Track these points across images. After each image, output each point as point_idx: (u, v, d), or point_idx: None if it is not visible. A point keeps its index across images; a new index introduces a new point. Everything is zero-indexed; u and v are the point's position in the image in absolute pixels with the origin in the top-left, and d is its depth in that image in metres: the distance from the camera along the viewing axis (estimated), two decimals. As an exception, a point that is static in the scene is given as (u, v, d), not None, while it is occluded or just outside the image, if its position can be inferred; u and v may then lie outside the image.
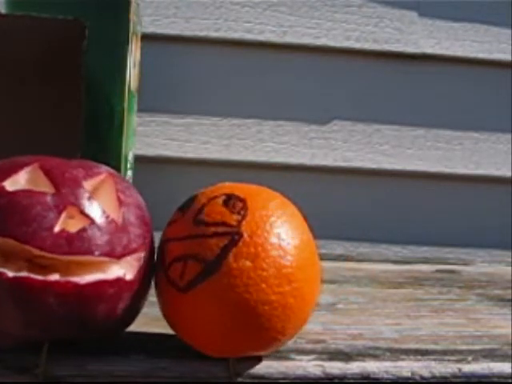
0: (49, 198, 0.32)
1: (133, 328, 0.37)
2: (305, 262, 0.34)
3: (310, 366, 0.36)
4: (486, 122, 0.77)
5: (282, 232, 0.34)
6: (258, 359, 0.36)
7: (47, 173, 0.34)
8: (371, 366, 0.37)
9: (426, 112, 0.77)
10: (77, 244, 0.32)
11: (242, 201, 0.34)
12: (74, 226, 0.32)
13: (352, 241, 0.76)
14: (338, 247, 0.76)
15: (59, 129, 0.46)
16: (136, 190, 0.37)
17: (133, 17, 0.49)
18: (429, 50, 0.76)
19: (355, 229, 0.76)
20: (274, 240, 0.33)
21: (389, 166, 0.76)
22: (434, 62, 0.76)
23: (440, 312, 0.50)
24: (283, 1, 0.74)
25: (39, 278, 0.31)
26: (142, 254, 0.35)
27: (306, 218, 0.37)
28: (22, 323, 0.32)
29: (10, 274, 0.31)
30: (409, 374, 0.37)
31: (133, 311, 0.36)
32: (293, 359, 0.37)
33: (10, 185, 0.33)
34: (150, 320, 0.40)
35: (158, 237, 0.37)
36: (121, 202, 0.35)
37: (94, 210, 0.33)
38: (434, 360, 0.38)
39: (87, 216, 0.33)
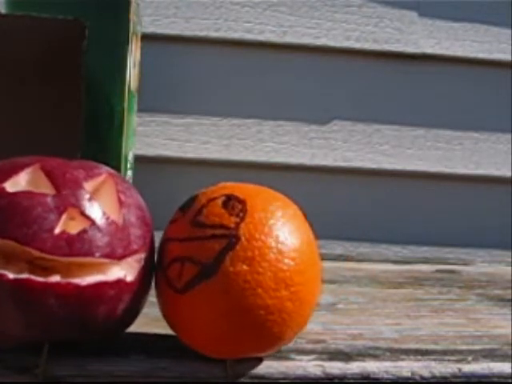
0: (49, 200, 0.32)
1: (133, 328, 0.37)
2: (304, 265, 0.34)
3: (310, 366, 0.36)
4: (486, 122, 0.78)
5: (281, 235, 0.34)
6: (258, 359, 0.36)
7: (48, 174, 0.34)
8: (371, 366, 0.37)
9: (426, 112, 0.77)
10: (77, 245, 0.32)
11: (242, 202, 0.34)
12: (74, 228, 0.32)
13: (352, 241, 0.76)
14: (338, 247, 0.76)
15: (59, 129, 0.46)
16: (136, 191, 0.37)
17: (133, 17, 0.49)
18: (429, 50, 0.76)
19: (355, 229, 0.76)
20: (272, 243, 0.33)
21: (389, 165, 0.76)
22: (434, 62, 0.76)
23: (440, 312, 0.50)
24: (283, 1, 0.74)
25: (40, 279, 0.31)
26: (142, 255, 0.35)
27: (306, 218, 0.37)
28: (22, 324, 0.32)
29: (11, 275, 0.31)
30: (409, 374, 0.37)
31: (133, 312, 0.36)
32: (293, 359, 0.37)
33: (10, 186, 0.33)
34: (150, 320, 0.40)
35: (157, 237, 0.37)
36: (121, 203, 0.35)
37: (95, 211, 0.33)
38: (434, 360, 0.38)
39: (88, 217, 0.33)
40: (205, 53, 0.73)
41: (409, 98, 0.76)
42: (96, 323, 0.33)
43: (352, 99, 0.76)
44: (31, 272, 0.31)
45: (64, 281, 0.32)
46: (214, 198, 0.35)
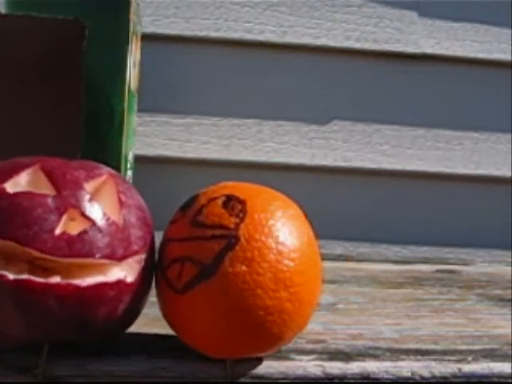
0: (50, 200, 0.32)
1: (133, 328, 0.37)
2: (304, 266, 0.34)
3: (310, 366, 0.36)
4: (486, 122, 0.78)
5: (281, 235, 0.34)
6: (258, 359, 0.36)
7: (48, 174, 0.34)
8: (371, 366, 0.37)
9: (426, 112, 0.77)
10: (78, 246, 0.32)
11: (242, 202, 0.34)
12: (74, 229, 0.32)
13: (352, 241, 0.76)
14: (338, 247, 0.76)
15: (59, 129, 0.46)
16: (137, 192, 0.37)
17: (133, 17, 0.49)
18: (429, 50, 0.76)
19: (355, 229, 0.76)
20: (271, 244, 0.33)
21: (389, 165, 0.76)
22: (434, 62, 0.76)
23: (440, 312, 0.50)
24: (283, 1, 0.74)
25: (40, 280, 0.31)
26: (142, 256, 0.35)
27: (306, 217, 0.37)
28: (22, 325, 0.32)
29: (11, 276, 0.31)
30: (409, 374, 0.37)
31: (133, 313, 0.36)
32: (293, 359, 0.37)
33: (10, 186, 0.33)
34: (151, 320, 0.40)
35: (158, 237, 0.37)
36: (122, 204, 0.35)
37: (95, 212, 0.33)
38: (434, 360, 0.38)
39: (88, 218, 0.33)
40: (205, 53, 0.73)
41: (409, 98, 0.76)
42: (96, 324, 0.33)
43: (352, 99, 0.76)
44: (31, 273, 0.31)
45: (64, 282, 0.32)
46: (214, 198, 0.35)
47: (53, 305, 0.31)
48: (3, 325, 0.32)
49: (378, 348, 0.40)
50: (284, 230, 0.34)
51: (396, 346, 0.40)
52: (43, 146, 0.44)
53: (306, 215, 0.37)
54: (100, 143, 0.49)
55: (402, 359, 0.38)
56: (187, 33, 0.72)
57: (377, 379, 0.37)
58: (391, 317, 0.48)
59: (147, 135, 0.72)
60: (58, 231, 0.32)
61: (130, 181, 0.55)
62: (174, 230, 0.35)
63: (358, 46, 0.75)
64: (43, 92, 0.46)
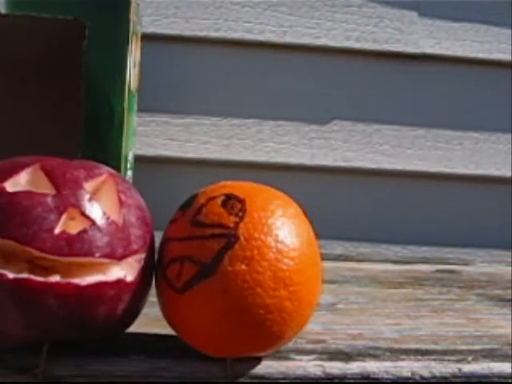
0: (49, 200, 0.32)
1: (133, 328, 0.37)
2: (304, 264, 0.34)
3: (310, 366, 0.36)
4: (486, 122, 0.78)
5: (281, 234, 0.34)
6: (258, 359, 0.36)
7: (48, 174, 0.34)
8: (371, 366, 0.37)
9: (426, 112, 0.77)
10: (77, 245, 0.32)
11: (241, 201, 0.34)
12: (74, 228, 0.32)
13: (352, 241, 0.76)
14: (338, 247, 0.76)
15: (59, 129, 0.46)
16: (137, 191, 0.37)
17: (133, 17, 0.49)
18: (429, 50, 0.76)
19: (355, 229, 0.76)
20: (271, 242, 0.33)
21: (389, 165, 0.76)
22: (434, 62, 0.76)
23: (440, 312, 0.50)
24: (283, 1, 0.74)
25: (40, 279, 0.31)
26: (142, 255, 0.35)
27: (306, 217, 0.37)
28: (22, 324, 0.32)
29: (11, 275, 0.31)
30: (409, 374, 0.37)
31: (133, 312, 0.36)
32: (293, 359, 0.37)
33: (10, 186, 0.33)
34: (151, 320, 0.40)
35: (157, 237, 0.37)
36: (122, 203, 0.35)
37: (95, 211, 0.33)
38: (434, 360, 0.38)
39: (88, 217, 0.33)
40: (205, 53, 0.73)
41: (409, 98, 0.76)
42: (96, 323, 0.33)
43: (352, 99, 0.76)
44: (31, 272, 0.31)
45: (64, 281, 0.32)
46: (214, 197, 0.35)
47: (52, 304, 0.31)
48: (3, 324, 0.32)
49: (377, 348, 0.40)
50: (284, 229, 0.34)
51: (396, 346, 0.40)
52: (43, 145, 0.44)
53: (305, 215, 0.37)
54: (100, 143, 0.49)
55: (402, 359, 0.38)
56: (187, 33, 0.72)
57: (377, 379, 0.37)
58: (391, 317, 0.48)
59: (147, 135, 0.72)
60: (57, 230, 0.32)
61: (130, 181, 0.55)
62: (173, 230, 0.35)
63: (357, 46, 0.75)
64: (43, 92, 0.46)
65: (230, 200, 0.34)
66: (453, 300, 0.54)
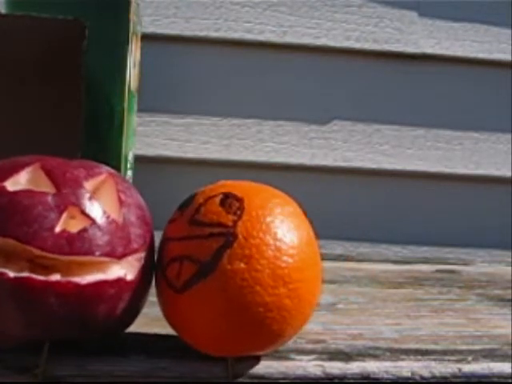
0: (50, 198, 0.32)
1: (133, 328, 0.37)
2: (303, 262, 0.34)
3: (310, 366, 0.36)
4: (486, 122, 0.78)
5: (280, 232, 0.34)
6: (258, 359, 0.36)
7: (48, 173, 0.34)
8: (371, 366, 0.37)
9: (426, 112, 0.77)
10: (78, 244, 0.32)
11: (239, 200, 0.34)
12: (74, 227, 0.32)
13: (352, 241, 0.76)
14: (338, 247, 0.76)
15: (59, 129, 0.46)
16: (136, 191, 0.37)
17: (133, 17, 0.49)
18: (429, 50, 0.76)
19: (355, 229, 0.76)
20: (269, 241, 0.33)
21: (389, 165, 0.76)
22: (434, 62, 0.76)
23: (440, 312, 0.50)
24: (283, 1, 0.74)
25: (40, 278, 0.31)
26: (142, 254, 0.35)
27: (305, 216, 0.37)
28: (23, 323, 0.32)
29: (11, 274, 0.31)
30: (409, 374, 0.37)
31: (133, 311, 0.36)
32: (293, 359, 0.37)
33: (11, 185, 0.33)
34: (151, 320, 0.40)
35: (157, 237, 0.37)
36: (121, 202, 0.35)
37: (95, 210, 0.33)
38: (434, 360, 0.38)
39: (88, 216, 0.33)
40: (205, 53, 0.73)
41: (409, 98, 0.76)
42: (96, 322, 0.33)
43: (352, 99, 0.76)
44: (31, 271, 0.31)
45: (64, 279, 0.32)
46: (212, 197, 0.35)
47: (53, 303, 0.31)
48: (3, 324, 0.32)
49: (377, 348, 0.40)
50: (282, 227, 0.34)
51: (396, 346, 0.40)
52: (43, 145, 0.44)
53: (305, 215, 0.37)
54: (100, 143, 0.49)
55: (402, 359, 0.38)
56: (187, 33, 0.72)
57: (377, 379, 0.36)
58: (391, 317, 0.48)
59: (147, 135, 0.72)
60: (58, 229, 0.32)
61: (130, 181, 0.55)
62: (172, 230, 0.35)
63: (358, 46, 0.75)
64: (43, 92, 0.46)
65: (228, 199, 0.34)
66: (453, 300, 0.54)
